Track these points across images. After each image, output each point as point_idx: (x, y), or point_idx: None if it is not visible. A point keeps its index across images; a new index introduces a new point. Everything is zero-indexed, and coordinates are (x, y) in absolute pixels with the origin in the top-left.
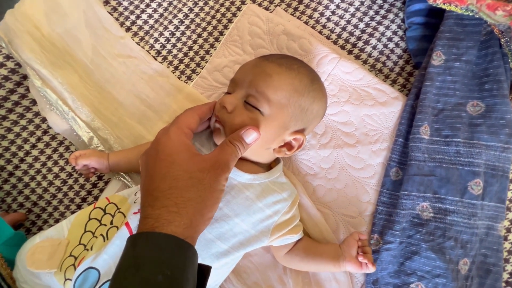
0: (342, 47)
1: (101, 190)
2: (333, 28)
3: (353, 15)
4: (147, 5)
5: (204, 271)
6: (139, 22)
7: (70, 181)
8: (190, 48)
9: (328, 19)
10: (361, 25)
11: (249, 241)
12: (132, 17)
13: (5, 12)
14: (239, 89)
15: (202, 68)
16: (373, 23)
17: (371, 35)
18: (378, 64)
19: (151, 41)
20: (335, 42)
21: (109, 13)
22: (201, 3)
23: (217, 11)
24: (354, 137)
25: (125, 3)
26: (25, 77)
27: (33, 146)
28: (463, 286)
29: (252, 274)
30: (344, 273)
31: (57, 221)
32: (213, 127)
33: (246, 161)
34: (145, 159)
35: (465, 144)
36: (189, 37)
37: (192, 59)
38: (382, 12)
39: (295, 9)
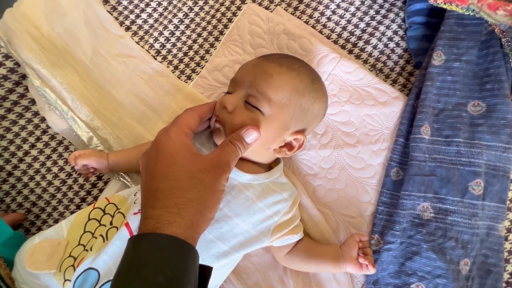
0: (343, 47)
1: (101, 190)
2: (334, 28)
3: (353, 14)
4: (147, 4)
5: (205, 272)
6: (139, 21)
7: (70, 181)
8: (190, 47)
9: (329, 19)
10: (362, 25)
11: (250, 242)
12: (132, 16)
13: (4, 11)
14: (239, 89)
15: (202, 68)
16: (374, 23)
17: (371, 34)
18: (379, 63)
19: (151, 40)
20: (335, 42)
21: (109, 12)
22: (201, 2)
23: (217, 10)
24: (355, 137)
25: (125, 2)
26: (24, 76)
27: (32, 146)
28: (463, 287)
29: (252, 274)
30: (345, 274)
31: (56, 221)
32: (213, 127)
33: (247, 161)
34: (146, 159)
35: (466, 144)
36: (189, 37)
37: (192, 59)
38: (383, 11)
39: (296, 8)
